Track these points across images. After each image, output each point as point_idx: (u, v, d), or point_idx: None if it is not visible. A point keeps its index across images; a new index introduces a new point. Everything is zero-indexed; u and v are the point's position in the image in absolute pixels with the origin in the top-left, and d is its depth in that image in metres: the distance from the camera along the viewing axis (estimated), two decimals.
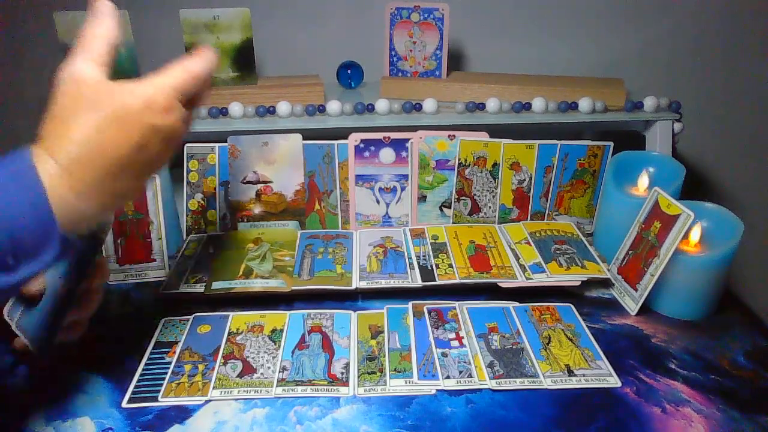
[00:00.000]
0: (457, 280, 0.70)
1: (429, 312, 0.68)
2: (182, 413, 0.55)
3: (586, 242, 0.78)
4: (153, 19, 0.93)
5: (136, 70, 0.84)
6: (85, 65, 0.45)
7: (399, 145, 0.82)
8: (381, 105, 0.83)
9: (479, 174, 0.83)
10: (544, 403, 0.56)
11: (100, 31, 0.47)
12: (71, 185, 0.42)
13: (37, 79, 1.00)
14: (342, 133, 0.82)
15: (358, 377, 0.59)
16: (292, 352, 0.62)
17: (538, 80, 0.89)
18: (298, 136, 0.81)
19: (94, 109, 0.43)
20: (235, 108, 0.82)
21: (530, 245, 0.77)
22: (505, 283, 0.70)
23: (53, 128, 0.43)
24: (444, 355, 0.61)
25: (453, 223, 0.84)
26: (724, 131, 1.09)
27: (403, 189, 0.83)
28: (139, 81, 0.46)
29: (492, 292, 0.71)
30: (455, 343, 0.63)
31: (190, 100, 0.49)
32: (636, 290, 0.69)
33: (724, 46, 1.02)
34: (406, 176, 0.83)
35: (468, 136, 0.82)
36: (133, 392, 0.57)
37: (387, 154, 0.82)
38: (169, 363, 0.60)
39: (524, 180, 0.83)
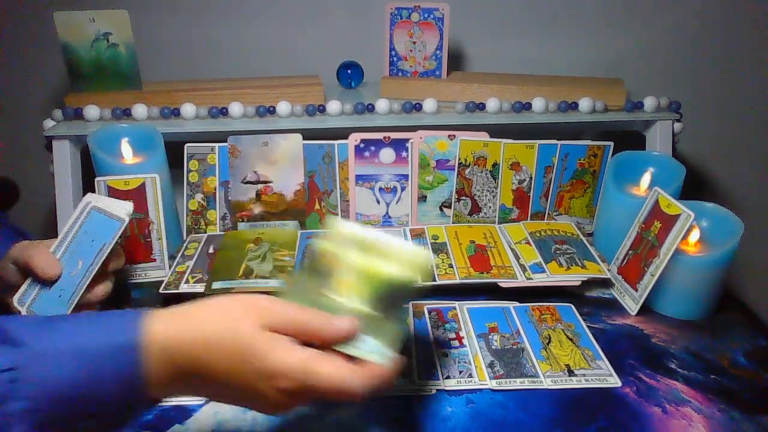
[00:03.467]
0: (457, 280, 0.70)
1: (429, 312, 0.68)
2: (182, 413, 0.55)
3: (586, 242, 0.78)
4: (153, 19, 0.93)
5: (136, 70, 0.84)
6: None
7: (399, 145, 0.82)
8: (381, 105, 0.83)
9: (479, 174, 0.83)
10: (544, 403, 0.56)
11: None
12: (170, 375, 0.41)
13: (37, 79, 1.00)
14: (342, 133, 0.81)
15: None
16: None
17: (538, 80, 0.89)
18: (298, 136, 0.81)
19: (241, 363, 0.40)
20: (235, 108, 0.82)
21: (530, 245, 0.77)
22: (505, 283, 0.70)
23: (193, 340, 0.41)
24: (444, 355, 0.61)
25: (453, 223, 0.84)
26: (724, 131, 1.09)
27: (403, 189, 0.83)
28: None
29: (492, 292, 0.71)
30: (455, 343, 0.63)
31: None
32: (636, 290, 0.69)
33: (724, 46, 1.02)
34: (406, 176, 0.83)
35: (468, 136, 0.82)
36: None
37: (387, 154, 0.82)
38: None
39: (524, 180, 0.83)
